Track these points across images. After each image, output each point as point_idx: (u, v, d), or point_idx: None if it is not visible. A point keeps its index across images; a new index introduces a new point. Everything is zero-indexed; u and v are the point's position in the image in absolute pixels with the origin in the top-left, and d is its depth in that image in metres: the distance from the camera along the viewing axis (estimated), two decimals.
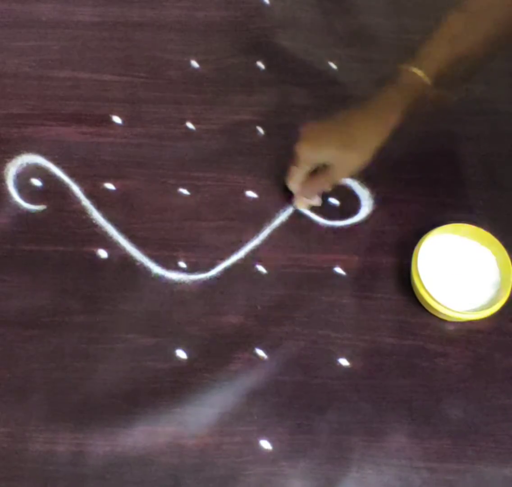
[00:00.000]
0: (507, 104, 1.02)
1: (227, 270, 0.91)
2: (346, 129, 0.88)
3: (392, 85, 0.88)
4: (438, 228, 0.89)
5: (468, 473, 0.80)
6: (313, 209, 0.94)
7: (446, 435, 0.82)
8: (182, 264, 0.91)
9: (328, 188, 0.92)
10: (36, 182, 0.95)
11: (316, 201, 0.94)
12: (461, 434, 0.82)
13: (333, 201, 0.95)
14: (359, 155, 0.88)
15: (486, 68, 1.03)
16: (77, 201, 0.94)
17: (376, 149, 0.87)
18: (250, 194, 0.96)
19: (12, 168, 0.96)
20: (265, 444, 0.80)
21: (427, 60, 0.87)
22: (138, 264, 0.90)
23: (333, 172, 0.89)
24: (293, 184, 0.92)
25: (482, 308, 0.86)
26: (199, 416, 0.82)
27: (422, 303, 0.87)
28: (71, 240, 0.91)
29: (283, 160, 0.95)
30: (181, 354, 0.85)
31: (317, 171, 0.90)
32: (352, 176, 0.94)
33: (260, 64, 1.05)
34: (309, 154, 0.88)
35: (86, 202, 0.94)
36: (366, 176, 0.96)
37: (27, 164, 0.97)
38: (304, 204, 0.94)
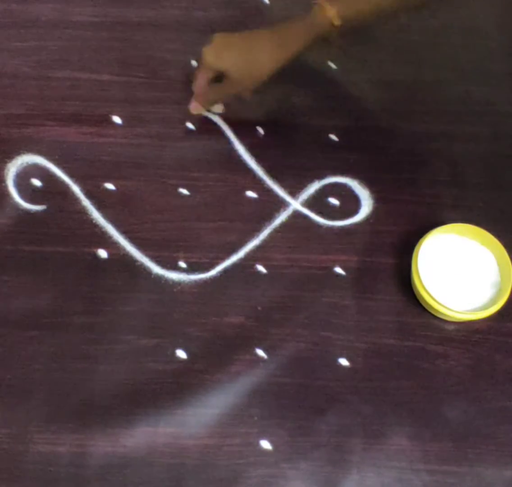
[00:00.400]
0: (507, 105, 1.02)
1: (227, 270, 0.91)
2: (250, 45, 0.92)
3: (304, 17, 0.91)
4: (438, 228, 0.89)
5: (468, 475, 0.80)
6: (313, 209, 0.94)
7: (447, 437, 0.82)
8: (182, 264, 0.91)
9: (220, 98, 0.98)
10: (36, 182, 0.95)
11: (216, 108, 1.00)
12: (461, 436, 0.82)
13: (333, 201, 0.95)
14: (256, 72, 0.93)
15: (486, 69, 1.03)
16: (77, 201, 0.94)
17: (272, 71, 0.92)
18: (250, 194, 0.96)
19: (12, 168, 0.96)
20: (266, 446, 0.81)
21: (343, 3, 0.89)
22: (138, 264, 0.90)
23: (228, 83, 0.93)
24: (194, 87, 0.96)
25: (482, 308, 0.86)
26: (200, 417, 0.82)
27: (422, 303, 0.87)
28: (71, 241, 0.91)
29: (283, 160, 0.95)
30: (181, 354, 0.85)
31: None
32: (244, 92, 0.96)
33: None
34: (211, 59, 0.92)
35: (86, 202, 0.94)
36: (366, 176, 0.96)
37: (27, 164, 0.97)
38: (197, 109, 0.99)
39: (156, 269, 0.90)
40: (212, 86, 0.95)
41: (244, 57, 0.92)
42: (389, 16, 0.94)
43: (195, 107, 0.98)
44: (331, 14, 0.88)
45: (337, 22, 0.89)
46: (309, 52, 0.92)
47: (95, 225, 0.92)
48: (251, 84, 0.93)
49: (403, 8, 0.92)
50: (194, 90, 0.97)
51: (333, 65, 1.05)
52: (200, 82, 0.95)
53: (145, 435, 0.81)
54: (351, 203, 0.95)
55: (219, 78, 0.94)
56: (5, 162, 0.96)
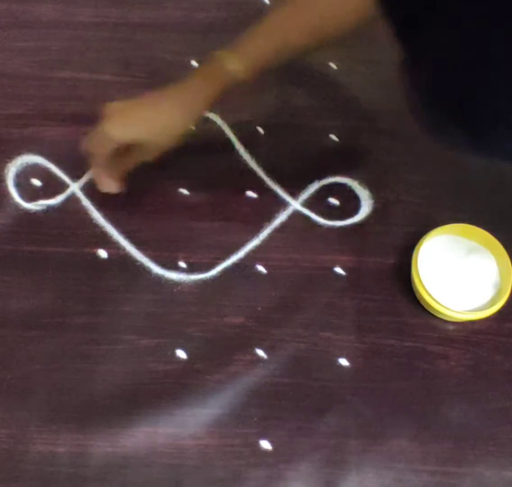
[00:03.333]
0: None
1: (227, 270, 0.91)
2: (156, 110, 0.85)
3: (204, 73, 0.86)
4: (438, 228, 0.89)
5: (468, 476, 0.80)
6: (313, 209, 0.94)
7: (447, 438, 0.82)
8: (182, 264, 0.91)
9: (129, 169, 0.91)
10: (36, 182, 0.95)
11: (117, 186, 0.91)
12: (462, 437, 0.82)
13: (333, 201, 0.95)
14: (165, 138, 0.87)
15: None
16: (77, 201, 0.94)
17: (181, 134, 0.87)
18: (250, 194, 0.96)
19: (12, 168, 0.96)
20: (266, 446, 0.80)
21: (244, 52, 0.85)
22: (138, 264, 0.90)
23: (138, 152, 0.88)
24: (99, 167, 0.89)
25: (482, 308, 0.86)
26: (200, 417, 0.82)
27: (422, 303, 0.87)
28: (71, 241, 0.91)
29: (284, 160, 0.95)
30: (181, 354, 0.85)
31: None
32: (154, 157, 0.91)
33: None
34: (118, 133, 0.84)
35: (86, 202, 0.94)
36: (366, 176, 0.96)
37: (27, 164, 0.97)
38: (115, 187, 0.91)
39: (156, 269, 0.90)
40: (119, 160, 0.89)
41: (153, 124, 0.85)
42: (303, 54, 0.90)
43: (107, 184, 0.91)
44: (235, 68, 0.84)
45: (243, 76, 0.84)
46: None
47: (95, 225, 0.92)
48: (162, 150, 0.88)
49: (316, 45, 0.88)
50: (98, 169, 0.90)
51: (333, 66, 1.05)
52: (105, 159, 0.87)
53: (145, 435, 0.81)
54: (351, 203, 0.95)
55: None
56: (5, 162, 0.96)
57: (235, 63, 0.84)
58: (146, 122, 0.85)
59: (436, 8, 0.45)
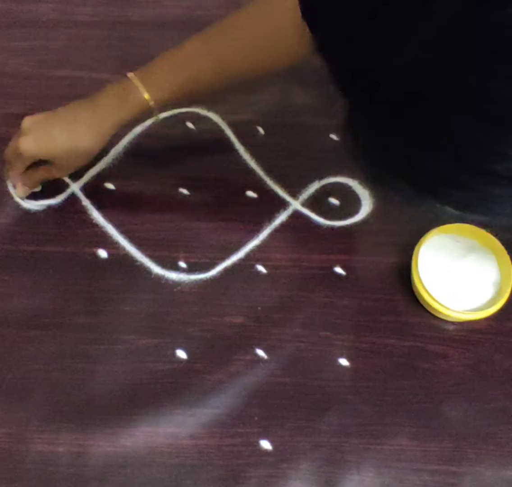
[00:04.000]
0: None
1: (227, 270, 0.91)
2: (69, 127, 0.87)
3: (117, 95, 0.87)
4: (438, 228, 0.89)
5: (468, 475, 0.80)
6: (313, 209, 0.94)
7: (447, 438, 0.82)
8: (182, 264, 0.91)
9: (41, 182, 0.93)
10: None
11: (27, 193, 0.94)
12: (462, 437, 0.82)
13: (333, 201, 0.95)
14: (74, 158, 0.90)
15: None
16: (77, 201, 0.94)
17: (90, 156, 0.90)
18: (250, 194, 0.96)
19: None
20: (266, 446, 0.81)
21: (153, 82, 0.86)
22: (138, 264, 0.90)
23: (54, 168, 0.91)
24: (14, 177, 0.92)
25: (482, 308, 0.86)
26: (200, 417, 0.82)
27: (422, 303, 0.87)
28: (71, 241, 0.92)
29: (284, 160, 0.95)
30: (181, 354, 0.85)
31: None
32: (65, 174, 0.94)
33: None
34: (32, 149, 0.87)
35: (86, 202, 0.94)
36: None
37: None
38: (24, 192, 0.93)
39: (156, 269, 0.90)
40: (32, 172, 0.91)
41: (62, 144, 0.87)
42: (217, 91, 0.91)
43: (22, 191, 0.93)
44: (143, 97, 0.85)
45: (152, 103, 0.86)
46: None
47: (95, 225, 0.93)
48: (75, 167, 0.92)
49: (227, 86, 0.89)
50: (11, 179, 0.93)
51: None
52: (20, 170, 0.91)
53: (145, 435, 0.81)
54: (351, 203, 0.95)
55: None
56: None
57: (143, 91, 0.85)
58: (57, 141, 0.87)
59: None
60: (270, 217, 0.94)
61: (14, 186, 0.93)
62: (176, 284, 0.89)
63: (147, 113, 0.88)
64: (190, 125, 1.00)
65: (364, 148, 0.47)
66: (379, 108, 0.42)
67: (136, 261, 0.90)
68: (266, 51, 0.85)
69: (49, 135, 0.87)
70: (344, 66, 0.44)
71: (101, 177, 0.96)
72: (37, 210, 0.93)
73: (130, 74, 0.86)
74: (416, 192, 0.46)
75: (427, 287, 0.85)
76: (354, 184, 0.96)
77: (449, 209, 0.47)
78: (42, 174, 0.92)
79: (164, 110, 0.90)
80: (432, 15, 0.35)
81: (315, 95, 1.02)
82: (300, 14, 0.44)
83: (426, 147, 0.42)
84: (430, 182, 0.45)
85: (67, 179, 0.95)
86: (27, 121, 0.88)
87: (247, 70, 0.86)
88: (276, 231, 0.93)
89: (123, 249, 0.91)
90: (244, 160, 0.97)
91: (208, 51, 0.85)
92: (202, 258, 0.91)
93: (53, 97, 1.01)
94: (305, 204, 0.95)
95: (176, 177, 0.96)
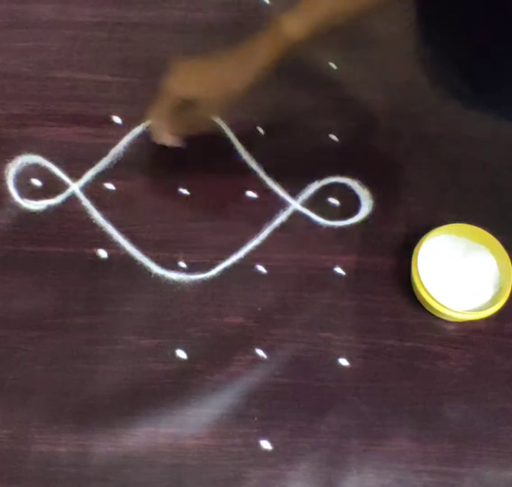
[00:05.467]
0: None
1: (227, 270, 0.91)
2: (214, 68, 0.88)
3: (265, 35, 0.87)
4: (438, 228, 0.89)
5: (468, 476, 0.80)
6: (313, 209, 0.94)
7: (447, 439, 0.82)
8: (182, 264, 0.91)
9: (191, 124, 0.93)
10: (36, 182, 0.95)
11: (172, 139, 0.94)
12: (462, 438, 0.82)
13: (333, 201, 0.95)
14: (225, 94, 0.88)
15: None
16: (77, 201, 0.94)
17: (241, 92, 0.88)
18: (250, 194, 0.96)
19: (12, 168, 0.96)
20: (266, 446, 0.81)
21: (307, 15, 0.86)
22: (138, 264, 0.90)
23: (198, 108, 0.89)
24: (158, 118, 0.92)
25: (482, 308, 0.86)
26: (200, 417, 0.82)
27: (422, 303, 0.87)
28: (72, 241, 0.92)
29: (283, 160, 0.95)
30: (181, 354, 0.85)
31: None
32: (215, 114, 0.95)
33: None
34: (179, 88, 0.88)
35: (86, 202, 0.94)
36: (366, 176, 0.96)
37: (27, 164, 0.96)
38: (173, 140, 0.94)
39: (156, 269, 0.90)
40: (182, 114, 0.91)
41: (211, 81, 0.88)
42: (355, 17, 0.89)
43: (170, 139, 0.94)
44: (291, 30, 0.85)
45: (299, 36, 0.86)
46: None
47: (95, 225, 0.92)
48: (221, 106, 0.91)
49: (365, 9, 0.88)
50: (155, 121, 0.93)
51: (334, 66, 1.05)
52: (163, 112, 0.91)
53: (145, 435, 0.81)
54: (351, 203, 0.95)
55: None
56: (5, 162, 0.96)
57: (292, 26, 0.85)
58: (206, 77, 0.88)
59: None
60: (270, 217, 0.94)
61: (155, 133, 0.94)
62: (176, 284, 0.89)
63: (290, 52, 0.87)
64: None
65: (433, 43, 0.47)
66: None
67: (136, 261, 0.90)
68: None
69: (194, 73, 0.89)
70: None
71: (101, 177, 0.96)
72: (37, 210, 0.93)
73: (278, 16, 0.87)
74: (474, 92, 0.47)
75: (427, 288, 0.85)
76: (354, 184, 0.96)
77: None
78: (190, 114, 0.90)
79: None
80: None
81: (315, 95, 1.02)
82: None
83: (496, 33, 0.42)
84: (491, 78, 0.45)
85: (67, 179, 0.95)
86: (179, 64, 0.89)
87: None
88: (276, 231, 0.93)
89: (123, 249, 0.91)
90: (244, 160, 0.97)
91: None
92: (202, 258, 0.91)
93: (53, 98, 1.01)
94: (305, 204, 0.95)
95: (176, 177, 0.96)
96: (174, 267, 0.90)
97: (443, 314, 0.86)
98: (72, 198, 0.95)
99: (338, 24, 0.87)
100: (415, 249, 0.88)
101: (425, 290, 0.85)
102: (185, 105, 0.89)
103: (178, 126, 0.92)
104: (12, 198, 0.94)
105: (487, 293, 0.88)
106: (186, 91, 0.88)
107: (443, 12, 0.48)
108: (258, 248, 0.92)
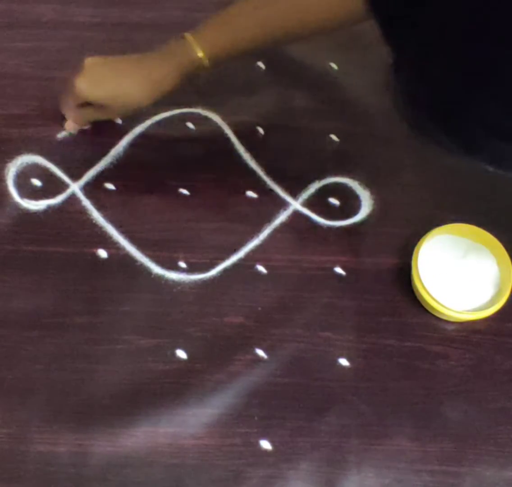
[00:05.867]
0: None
1: (227, 270, 0.91)
2: (121, 79, 0.91)
3: (173, 53, 0.90)
4: (438, 228, 0.89)
5: (468, 476, 0.80)
6: (313, 209, 0.94)
7: (447, 438, 0.82)
8: (182, 264, 0.91)
9: (92, 120, 0.97)
10: (36, 182, 0.95)
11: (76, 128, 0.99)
12: (462, 437, 0.82)
13: (333, 201, 0.95)
14: (128, 105, 0.93)
15: None
16: (77, 201, 0.94)
17: (137, 108, 0.93)
18: (250, 194, 0.96)
19: (12, 168, 0.96)
20: (266, 446, 0.81)
21: (205, 40, 0.89)
22: (138, 264, 0.90)
23: (101, 109, 0.93)
24: (66, 110, 0.96)
25: (482, 308, 0.86)
26: (200, 417, 0.82)
27: (422, 303, 0.87)
28: (72, 241, 0.91)
29: (284, 160, 0.95)
30: (181, 354, 0.85)
31: None
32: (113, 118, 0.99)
33: (260, 64, 1.05)
34: (85, 91, 0.90)
35: (86, 202, 0.94)
36: (366, 176, 0.96)
37: (27, 164, 0.96)
38: (73, 127, 0.98)
39: (156, 269, 0.90)
40: (84, 110, 0.94)
41: (115, 92, 0.91)
42: (271, 44, 0.93)
43: (71, 126, 0.98)
44: (200, 55, 0.89)
45: (206, 63, 0.89)
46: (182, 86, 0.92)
47: (95, 225, 0.92)
48: (123, 114, 0.96)
49: (285, 37, 0.91)
50: (65, 112, 0.97)
51: (334, 66, 1.05)
52: (72, 106, 0.94)
53: (145, 435, 0.81)
54: (351, 203, 0.95)
55: None
56: (5, 162, 0.96)
57: (198, 48, 0.88)
58: (105, 88, 0.91)
59: (419, 9, 0.45)
60: (270, 217, 0.94)
61: (65, 121, 0.97)
62: (176, 284, 0.89)
63: (196, 70, 0.90)
64: (190, 125, 1.00)
65: (410, 95, 0.48)
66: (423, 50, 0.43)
67: (136, 261, 0.90)
68: (314, 11, 0.88)
69: (101, 80, 0.91)
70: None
71: (101, 177, 0.96)
72: (37, 210, 0.93)
73: (186, 34, 0.89)
74: (455, 143, 0.47)
75: (427, 287, 0.85)
76: (354, 184, 0.96)
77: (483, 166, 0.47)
78: (92, 113, 0.95)
79: (216, 67, 0.91)
80: None
81: (315, 96, 1.02)
82: None
83: (476, 89, 0.42)
84: (471, 130, 0.45)
85: (67, 179, 0.95)
86: (89, 61, 0.91)
87: (294, 28, 0.89)
88: (276, 231, 0.93)
89: (123, 249, 0.91)
90: (244, 160, 0.97)
91: (256, 14, 0.89)
92: (202, 258, 0.91)
93: (53, 98, 1.01)
94: (305, 204, 0.95)
95: (176, 177, 0.96)
96: (174, 267, 0.90)
97: (443, 314, 0.86)
98: (72, 198, 0.94)
99: (253, 49, 0.90)
100: (415, 249, 0.88)
101: (425, 290, 0.85)
102: (90, 104, 0.93)
103: (79, 118, 0.96)
104: (12, 198, 0.94)
105: (487, 293, 0.88)
106: (93, 95, 0.91)
107: (411, 59, 0.48)
108: (258, 248, 0.92)
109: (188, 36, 0.89)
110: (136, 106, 0.92)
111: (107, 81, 0.91)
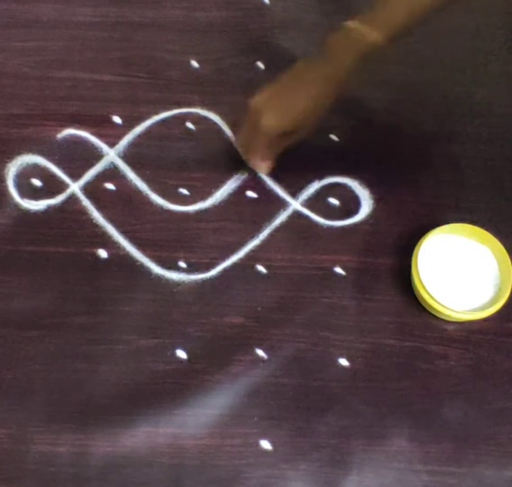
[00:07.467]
0: (507, 107, 1.02)
1: (227, 270, 0.91)
2: (302, 94, 0.86)
3: (341, 44, 0.85)
4: (438, 228, 0.89)
5: (468, 476, 0.80)
6: (313, 209, 0.94)
7: (447, 438, 0.82)
8: (182, 264, 0.91)
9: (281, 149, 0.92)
10: (36, 182, 0.95)
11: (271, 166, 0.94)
12: (462, 437, 0.82)
13: (333, 201, 0.95)
14: (322, 112, 0.88)
15: (487, 71, 1.03)
16: (77, 201, 0.94)
17: (328, 105, 0.88)
18: (250, 194, 0.96)
19: (12, 168, 0.96)
20: (266, 446, 0.81)
21: (382, 19, 0.84)
22: (138, 264, 0.90)
23: (293, 134, 0.89)
24: (256, 156, 0.92)
25: (482, 308, 0.86)
26: (200, 417, 0.82)
27: (422, 303, 0.87)
28: (72, 241, 0.92)
29: (283, 160, 0.95)
30: (181, 354, 0.85)
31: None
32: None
33: (260, 64, 1.05)
34: (276, 124, 0.86)
35: (86, 202, 0.94)
36: (366, 176, 0.96)
37: (27, 164, 0.97)
38: (269, 169, 0.94)
39: (156, 269, 0.90)
40: (273, 146, 0.91)
41: (304, 108, 0.86)
42: (426, 18, 0.87)
43: (265, 169, 0.94)
44: (374, 35, 0.83)
45: (380, 40, 0.84)
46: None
47: (95, 225, 0.93)
48: (313, 124, 0.89)
49: (438, 8, 0.86)
50: (252, 160, 0.93)
51: None
52: (262, 149, 0.91)
53: (145, 435, 0.81)
54: (351, 203, 0.95)
55: None
56: (5, 162, 0.96)
57: (373, 31, 0.83)
58: (298, 106, 0.86)
59: None
60: (270, 217, 0.94)
61: (257, 168, 0.94)
62: (176, 284, 0.89)
63: (375, 52, 0.85)
64: (190, 125, 1.00)
65: None
66: None
67: (136, 261, 0.90)
68: None
69: (288, 103, 0.86)
70: None
71: (101, 177, 0.96)
72: (37, 210, 0.93)
73: (350, 22, 0.84)
74: None
75: (427, 287, 0.85)
76: (354, 184, 0.96)
77: None
78: (281, 142, 0.91)
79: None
80: None
81: None
82: None
83: None
84: None
85: (67, 179, 0.95)
86: (255, 102, 0.87)
87: None
88: (276, 231, 0.93)
89: (123, 249, 0.91)
90: (243, 160, 0.97)
91: None
92: (202, 258, 0.91)
93: (53, 98, 1.01)
94: (305, 204, 0.95)
95: (176, 177, 0.96)
96: (174, 267, 0.90)
97: (443, 314, 0.86)
98: (72, 198, 0.95)
99: (414, 25, 0.85)
100: (415, 249, 0.88)
101: (425, 290, 0.85)
102: (281, 136, 0.88)
103: (271, 155, 0.93)
104: (12, 198, 0.94)
105: (487, 293, 0.88)
106: (283, 126, 0.87)
107: None
108: (258, 248, 0.92)
109: (356, 22, 0.84)
110: (322, 109, 0.88)
111: (285, 104, 0.87)
